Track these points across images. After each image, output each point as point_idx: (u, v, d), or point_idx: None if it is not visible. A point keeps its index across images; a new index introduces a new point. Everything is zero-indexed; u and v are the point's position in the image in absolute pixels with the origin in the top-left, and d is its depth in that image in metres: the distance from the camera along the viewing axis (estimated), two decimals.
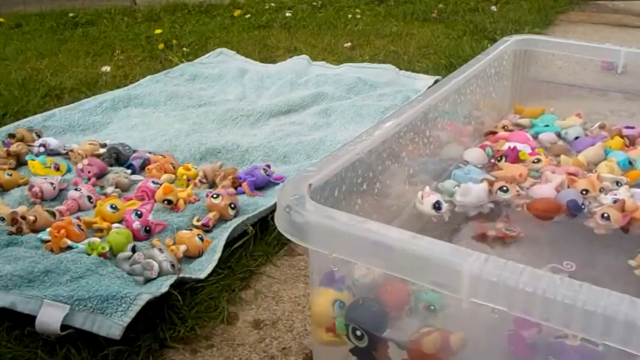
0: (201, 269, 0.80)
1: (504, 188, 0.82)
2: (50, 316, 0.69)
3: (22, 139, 1.15)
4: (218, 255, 0.83)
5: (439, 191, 0.82)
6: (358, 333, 0.53)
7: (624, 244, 0.75)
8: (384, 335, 0.53)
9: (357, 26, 2.25)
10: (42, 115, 1.32)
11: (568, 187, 0.82)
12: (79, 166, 1.06)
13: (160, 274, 0.78)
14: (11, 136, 1.16)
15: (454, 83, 0.86)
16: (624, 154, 0.91)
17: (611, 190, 0.81)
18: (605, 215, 0.75)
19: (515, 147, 0.92)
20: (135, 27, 2.24)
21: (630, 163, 0.90)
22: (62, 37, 2.11)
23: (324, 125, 1.32)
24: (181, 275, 0.78)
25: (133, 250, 0.81)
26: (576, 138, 0.98)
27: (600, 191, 0.82)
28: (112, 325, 0.68)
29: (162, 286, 0.74)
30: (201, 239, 0.85)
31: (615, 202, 0.78)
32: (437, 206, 0.78)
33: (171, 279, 0.76)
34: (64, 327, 0.69)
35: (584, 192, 0.81)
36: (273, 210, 0.92)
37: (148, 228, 0.88)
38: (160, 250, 0.80)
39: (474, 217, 0.79)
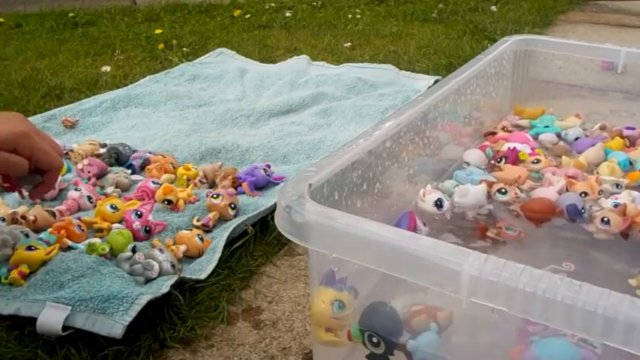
0: (202, 269, 0.80)
1: (503, 190, 0.81)
2: (52, 318, 0.69)
3: None
4: (218, 255, 0.83)
5: (440, 191, 0.82)
6: (375, 340, 0.53)
7: (624, 247, 0.75)
8: (400, 340, 0.53)
9: (357, 26, 2.25)
10: (42, 116, 1.32)
11: (567, 190, 0.82)
12: (79, 166, 1.06)
13: (161, 274, 0.78)
14: None
15: (454, 83, 0.86)
16: (625, 155, 0.91)
17: (613, 194, 0.81)
18: (605, 219, 0.75)
19: (515, 148, 0.91)
20: (135, 27, 2.24)
21: (631, 163, 0.90)
22: (62, 37, 2.11)
23: (324, 125, 1.32)
24: (182, 275, 0.78)
25: (134, 250, 0.81)
26: (576, 139, 0.98)
27: (599, 194, 0.81)
28: (113, 325, 0.68)
29: (163, 286, 0.74)
30: (201, 239, 0.86)
31: (616, 206, 0.77)
32: (438, 204, 0.78)
33: (172, 279, 0.76)
34: (64, 327, 0.69)
35: (582, 194, 0.81)
36: (273, 210, 0.92)
37: (148, 228, 0.88)
38: (160, 250, 0.80)
39: (473, 217, 0.79)
